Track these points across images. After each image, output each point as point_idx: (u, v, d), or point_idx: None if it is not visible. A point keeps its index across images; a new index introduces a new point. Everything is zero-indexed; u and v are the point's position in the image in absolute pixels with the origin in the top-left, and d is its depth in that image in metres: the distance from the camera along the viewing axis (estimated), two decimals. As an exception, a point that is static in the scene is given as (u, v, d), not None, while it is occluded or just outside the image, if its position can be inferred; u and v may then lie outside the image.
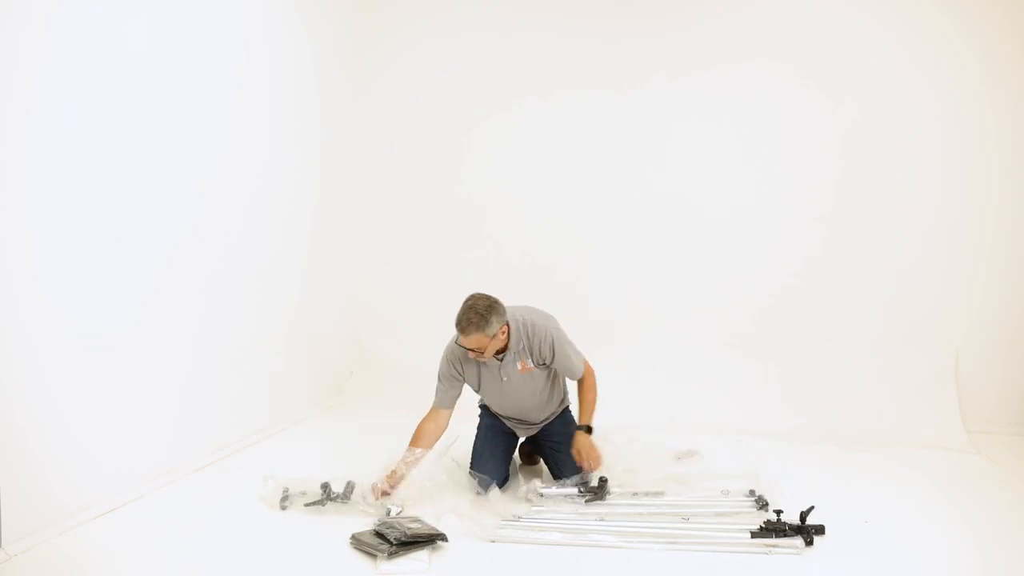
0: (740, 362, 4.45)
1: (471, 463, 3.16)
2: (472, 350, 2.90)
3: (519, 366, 3.04)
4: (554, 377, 3.19)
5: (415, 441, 3.03)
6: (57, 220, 2.60)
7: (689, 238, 4.58)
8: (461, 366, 3.07)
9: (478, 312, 2.82)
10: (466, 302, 2.89)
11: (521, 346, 3.02)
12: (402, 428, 4.06)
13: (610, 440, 3.35)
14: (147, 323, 3.04)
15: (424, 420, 3.09)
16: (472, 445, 3.24)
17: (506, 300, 2.99)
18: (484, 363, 3.03)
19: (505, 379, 3.05)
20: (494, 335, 2.86)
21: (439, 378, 3.12)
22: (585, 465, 3.03)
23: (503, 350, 3.00)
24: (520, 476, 3.34)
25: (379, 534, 2.51)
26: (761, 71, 4.45)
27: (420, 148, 4.86)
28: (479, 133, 4.79)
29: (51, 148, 2.57)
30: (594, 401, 3.15)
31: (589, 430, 3.09)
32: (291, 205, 4.16)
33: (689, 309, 4.57)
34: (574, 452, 3.05)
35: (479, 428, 3.30)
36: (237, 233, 3.66)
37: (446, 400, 3.10)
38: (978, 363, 4.30)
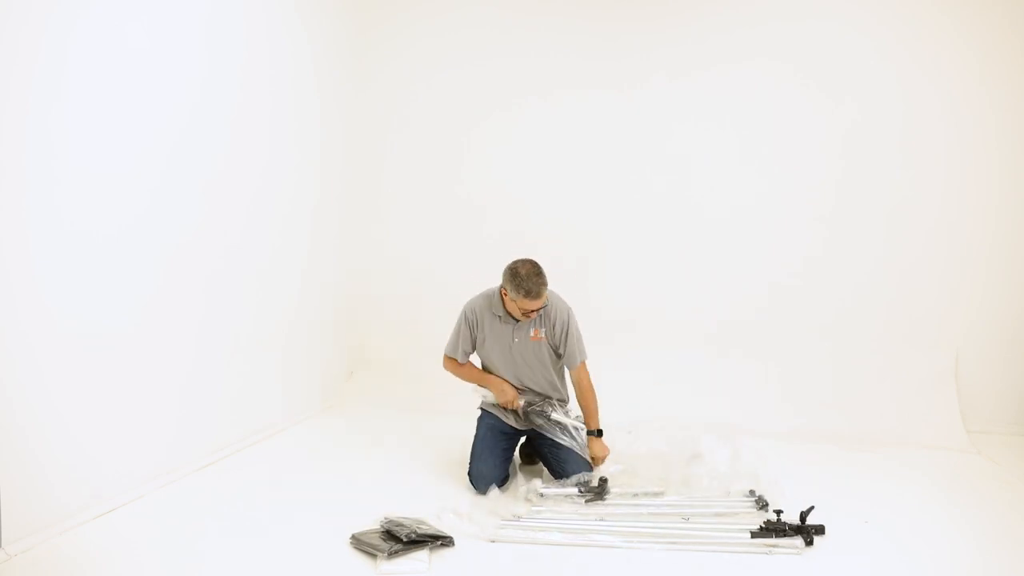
0: (740, 362, 4.45)
1: (470, 463, 3.17)
2: (534, 311, 3.09)
3: (532, 332, 3.21)
4: (558, 369, 3.32)
5: (471, 373, 3.34)
6: (57, 220, 2.60)
7: (689, 238, 4.58)
8: (477, 319, 3.25)
9: (539, 273, 3.06)
10: (520, 272, 3.05)
11: (540, 314, 3.18)
12: (402, 428, 4.10)
13: (619, 439, 3.38)
14: (147, 323, 3.04)
15: (457, 365, 3.35)
16: (471, 445, 3.24)
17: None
18: (501, 321, 3.20)
19: (516, 340, 3.21)
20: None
21: (457, 330, 3.31)
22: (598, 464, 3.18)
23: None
24: (520, 476, 3.33)
25: (389, 532, 2.52)
26: (761, 71, 4.45)
27: (420, 148, 4.86)
28: (479, 133, 4.79)
29: (51, 148, 2.56)
30: (597, 403, 3.28)
31: (600, 433, 3.23)
32: (291, 205, 4.16)
33: (689, 309, 4.57)
34: (592, 458, 3.18)
35: (479, 429, 3.30)
36: (237, 233, 3.66)
37: (461, 353, 3.31)
38: (978, 363, 4.30)
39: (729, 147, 4.52)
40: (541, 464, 3.37)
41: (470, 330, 3.28)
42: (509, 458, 3.27)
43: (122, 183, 2.89)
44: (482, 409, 3.37)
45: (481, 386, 3.33)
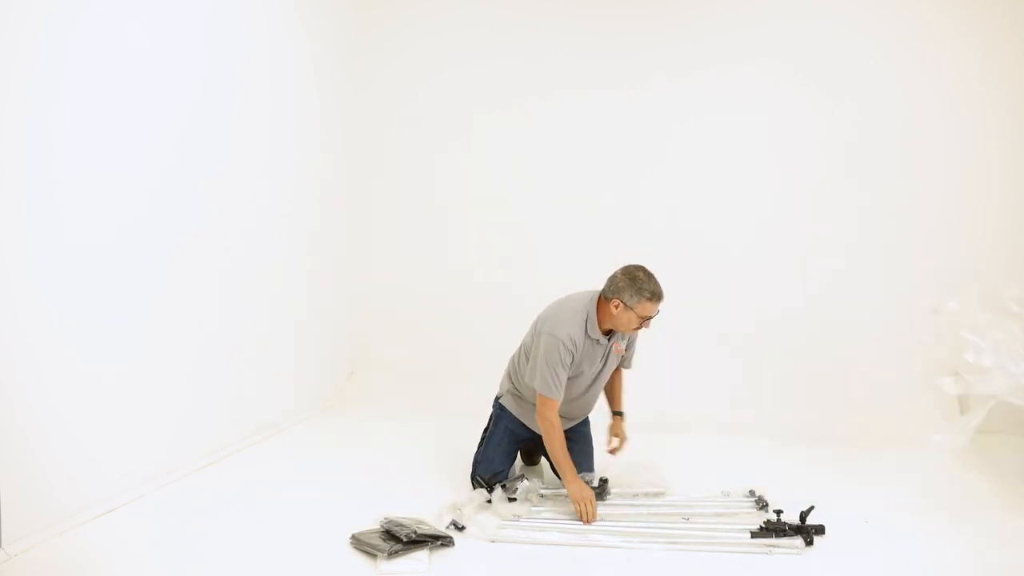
0: (740, 362, 4.45)
1: (479, 463, 3.15)
2: (650, 317, 2.90)
3: (614, 347, 3.08)
4: None
5: (561, 452, 2.91)
6: (57, 220, 2.60)
7: (689, 239, 4.57)
8: (579, 349, 2.92)
9: (653, 273, 2.90)
10: (640, 272, 2.86)
11: None
12: (402, 428, 4.10)
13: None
14: (147, 323, 3.04)
15: (555, 420, 2.92)
16: (484, 443, 3.20)
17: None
18: (597, 344, 2.95)
19: (607, 360, 3.07)
20: None
21: (557, 364, 2.86)
22: (616, 449, 3.16)
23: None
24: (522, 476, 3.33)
25: (389, 532, 2.52)
26: (761, 71, 4.45)
27: (420, 148, 4.86)
28: (479, 133, 4.78)
29: (51, 148, 2.56)
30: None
31: (622, 415, 3.28)
32: (292, 206, 4.16)
33: (689, 310, 4.55)
34: (615, 436, 3.17)
35: (496, 430, 3.19)
36: (237, 233, 3.65)
37: (563, 392, 2.94)
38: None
39: (729, 147, 4.51)
40: (542, 464, 3.37)
41: (568, 363, 2.91)
42: (513, 460, 3.26)
43: (123, 184, 2.89)
44: (502, 406, 3.22)
45: (557, 478, 2.97)
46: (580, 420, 3.26)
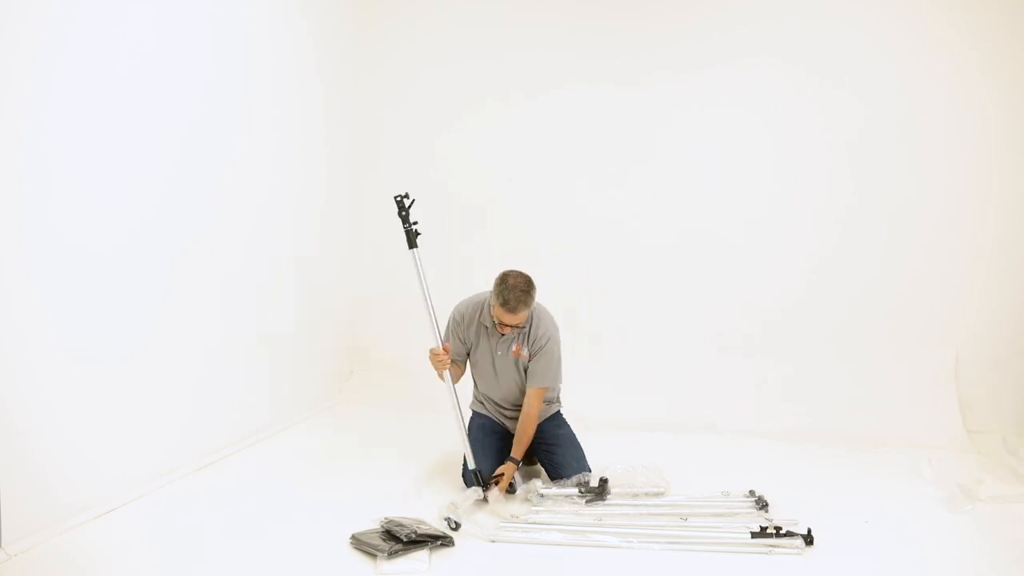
0: (741, 363, 4.44)
1: (464, 464, 3.15)
2: (506, 326, 3.02)
3: (513, 348, 3.16)
4: None
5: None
6: (56, 223, 2.59)
7: (689, 238, 4.56)
8: (466, 327, 3.21)
9: (524, 291, 2.95)
10: (508, 282, 2.96)
11: (525, 331, 3.14)
12: (402, 428, 4.10)
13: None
14: (147, 324, 3.04)
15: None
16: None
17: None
18: (487, 331, 3.16)
19: (499, 353, 3.17)
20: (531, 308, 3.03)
21: (448, 336, 3.24)
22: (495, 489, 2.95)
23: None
24: (520, 476, 3.33)
25: (389, 532, 2.52)
26: (761, 69, 4.42)
27: (421, 147, 4.85)
28: (482, 132, 4.76)
29: (53, 153, 2.56)
30: (530, 438, 3.15)
31: (517, 464, 3.11)
32: (293, 207, 4.16)
33: (694, 310, 4.55)
34: (495, 478, 2.99)
35: (470, 429, 3.25)
36: (239, 234, 3.65)
37: (456, 356, 3.22)
38: (978, 363, 4.29)
39: (730, 146, 4.50)
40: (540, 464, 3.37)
41: (457, 333, 3.22)
42: (503, 458, 3.25)
43: (127, 186, 2.89)
44: (472, 410, 3.39)
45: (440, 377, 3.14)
46: (516, 409, 3.23)
